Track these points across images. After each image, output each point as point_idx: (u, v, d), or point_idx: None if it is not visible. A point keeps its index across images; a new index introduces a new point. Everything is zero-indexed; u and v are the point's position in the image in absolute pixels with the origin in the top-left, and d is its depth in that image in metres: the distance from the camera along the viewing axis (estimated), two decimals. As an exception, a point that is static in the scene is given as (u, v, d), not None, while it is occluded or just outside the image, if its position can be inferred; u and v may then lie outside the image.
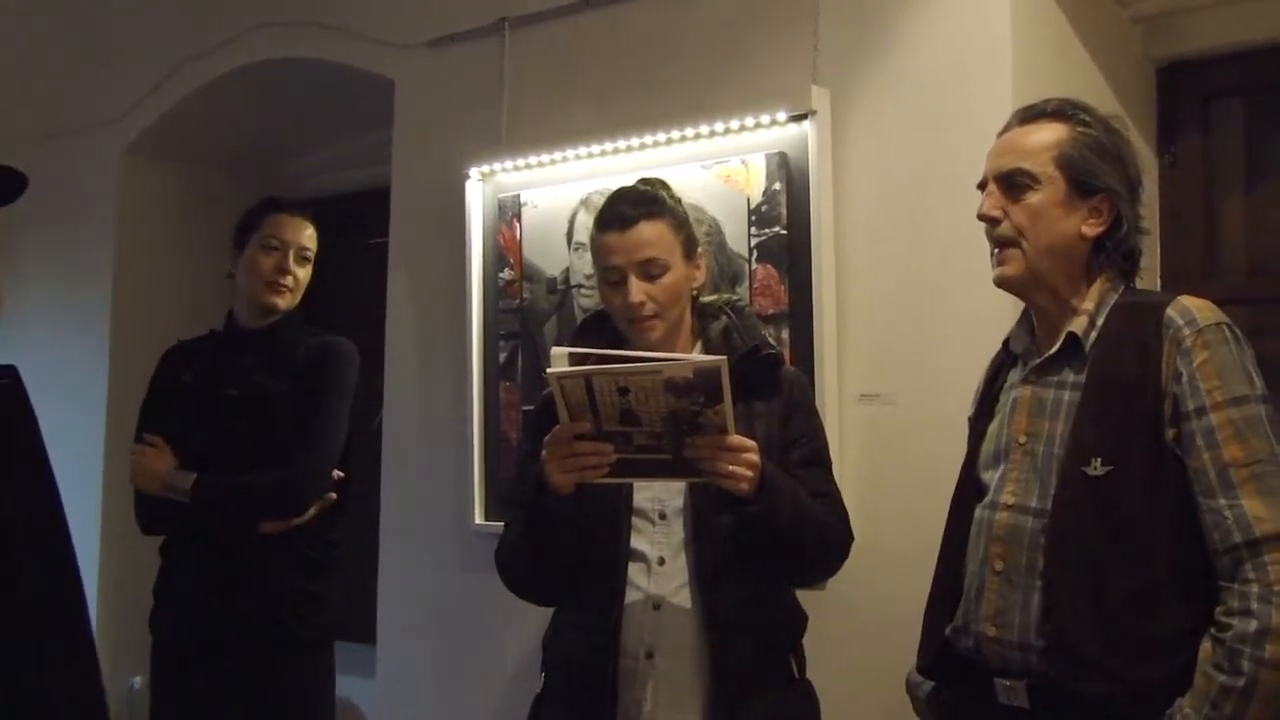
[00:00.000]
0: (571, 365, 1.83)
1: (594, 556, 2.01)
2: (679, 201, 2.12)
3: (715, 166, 2.74)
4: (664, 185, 2.13)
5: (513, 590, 2.14)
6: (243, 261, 2.72)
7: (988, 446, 1.88)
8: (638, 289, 2.01)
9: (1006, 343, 1.95)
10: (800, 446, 2.07)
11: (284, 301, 2.72)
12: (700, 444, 1.81)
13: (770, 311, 2.64)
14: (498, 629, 3.04)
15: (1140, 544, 1.66)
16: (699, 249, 2.13)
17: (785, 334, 2.62)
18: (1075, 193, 1.78)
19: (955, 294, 2.43)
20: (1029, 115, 1.84)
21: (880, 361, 2.55)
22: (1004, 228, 1.81)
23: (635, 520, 2.02)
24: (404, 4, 3.44)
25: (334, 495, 2.69)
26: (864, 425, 2.55)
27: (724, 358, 1.75)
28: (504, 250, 3.09)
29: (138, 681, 3.66)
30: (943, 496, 1.97)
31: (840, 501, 2.10)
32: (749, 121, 2.67)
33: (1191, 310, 1.71)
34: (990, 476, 1.85)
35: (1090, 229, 1.79)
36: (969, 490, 1.90)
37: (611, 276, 2.05)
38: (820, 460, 2.11)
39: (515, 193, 3.08)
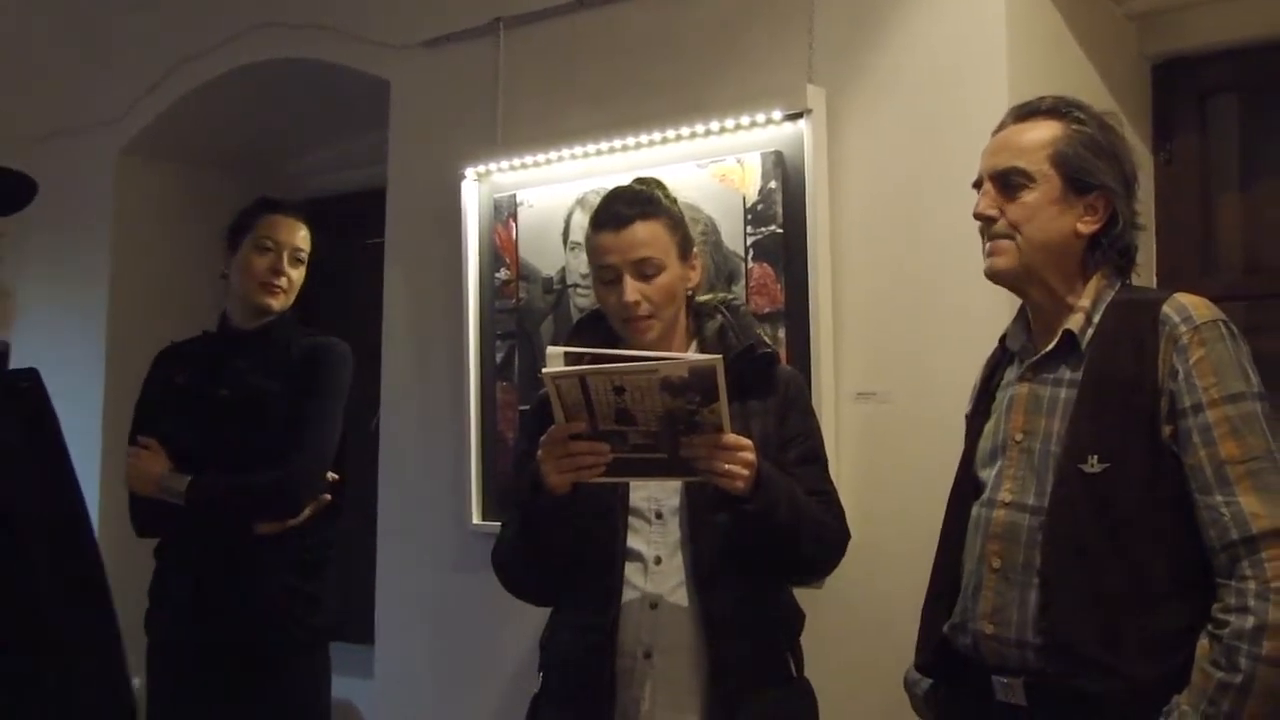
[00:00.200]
0: (567, 365, 1.83)
1: (591, 556, 2.01)
2: (674, 201, 2.12)
3: (711, 165, 2.74)
4: (659, 185, 2.13)
5: (510, 590, 2.14)
6: (236, 262, 2.72)
7: (984, 444, 1.88)
8: (633, 289, 2.01)
9: (1003, 340, 1.95)
10: (796, 445, 2.07)
11: (278, 302, 2.72)
12: (696, 443, 1.81)
13: (766, 310, 2.64)
14: (496, 629, 3.04)
15: (1137, 541, 1.67)
16: (694, 249, 2.13)
17: (781, 332, 2.62)
18: (1071, 190, 1.78)
19: (951, 292, 2.43)
20: (1024, 113, 1.84)
21: (876, 360, 2.55)
22: (1000, 226, 1.81)
23: (631, 520, 2.02)
24: (399, 4, 3.44)
25: (328, 496, 2.69)
26: (860, 423, 2.55)
27: (719, 356, 1.75)
28: (500, 250, 3.09)
29: (135, 683, 3.65)
30: (939, 494, 1.97)
31: (837, 500, 2.10)
32: (744, 120, 2.66)
33: (1188, 307, 1.71)
34: (987, 474, 1.85)
35: (1086, 226, 1.79)
36: (966, 488, 1.90)
37: (606, 276, 2.05)
38: (816, 458, 2.11)
39: (511, 192, 3.08)
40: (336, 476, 2.72)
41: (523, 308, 3.05)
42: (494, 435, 3.09)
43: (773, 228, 2.65)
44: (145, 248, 4.07)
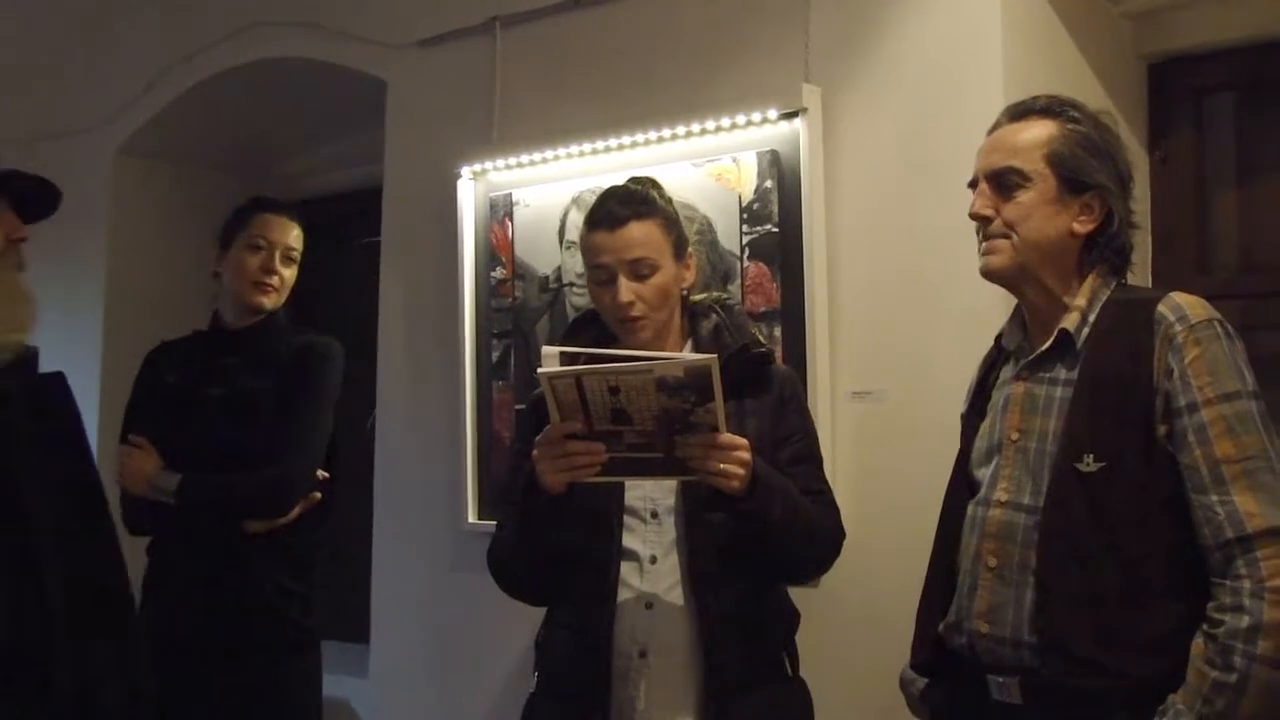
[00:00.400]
0: (562, 364, 1.83)
1: (586, 556, 2.01)
2: (669, 201, 2.12)
3: (707, 164, 2.74)
4: (654, 184, 2.13)
5: (505, 590, 2.13)
6: (228, 261, 2.71)
7: (980, 443, 1.88)
8: (627, 289, 2.00)
9: (999, 339, 1.95)
10: (791, 444, 2.07)
11: (270, 301, 2.71)
12: (692, 442, 1.81)
13: (762, 309, 2.64)
14: (491, 628, 3.04)
15: (1132, 540, 1.67)
16: (689, 248, 2.13)
17: (777, 331, 2.62)
18: (1066, 190, 1.78)
19: (947, 291, 2.43)
20: (1019, 112, 1.84)
21: (872, 359, 2.55)
22: (995, 225, 1.81)
23: (627, 519, 2.02)
24: (395, 4, 3.43)
25: (319, 495, 2.69)
26: (856, 423, 2.55)
27: (715, 356, 1.75)
28: (496, 249, 3.09)
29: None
30: (935, 493, 1.97)
31: (832, 499, 2.10)
32: (740, 119, 2.66)
33: (1183, 306, 1.71)
34: (983, 473, 1.85)
35: (1081, 226, 1.79)
36: (962, 487, 1.90)
37: (601, 276, 2.05)
38: (812, 457, 2.11)
39: (507, 191, 3.08)
40: (326, 475, 2.72)
41: (518, 307, 3.05)
42: (490, 434, 3.09)
43: (768, 227, 2.65)
44: (141, 247, 4.07)
